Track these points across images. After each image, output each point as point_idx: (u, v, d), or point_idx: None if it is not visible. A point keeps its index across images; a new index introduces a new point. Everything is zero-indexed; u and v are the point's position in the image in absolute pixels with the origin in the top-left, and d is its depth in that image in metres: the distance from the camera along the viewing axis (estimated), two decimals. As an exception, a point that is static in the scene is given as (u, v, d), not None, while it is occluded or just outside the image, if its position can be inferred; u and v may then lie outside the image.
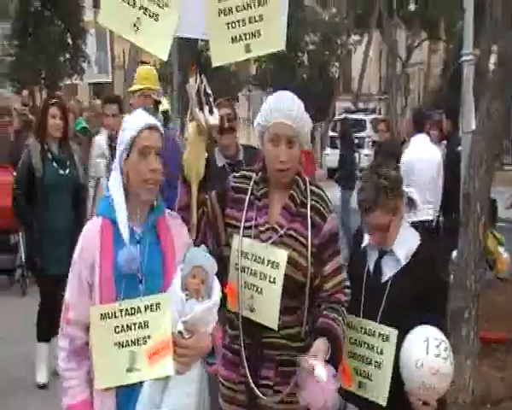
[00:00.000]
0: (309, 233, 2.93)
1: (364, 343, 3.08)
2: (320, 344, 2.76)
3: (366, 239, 3.18)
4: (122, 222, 2.75)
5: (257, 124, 3.04)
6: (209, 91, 3.15)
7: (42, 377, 6.03)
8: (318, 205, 2.98)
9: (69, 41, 23.21)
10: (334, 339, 2.81)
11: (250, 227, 3.00)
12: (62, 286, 2.94)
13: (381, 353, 3.02)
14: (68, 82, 25.26)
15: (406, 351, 2.90)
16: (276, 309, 2.90)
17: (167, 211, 2.92)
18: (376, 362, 3.04)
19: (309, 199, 2.99)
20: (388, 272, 3.09)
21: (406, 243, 3.09)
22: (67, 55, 23.46)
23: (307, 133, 3.04)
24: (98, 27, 23.10)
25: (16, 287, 8.89)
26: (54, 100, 6.19)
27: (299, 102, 3.00)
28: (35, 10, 22.05)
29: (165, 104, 15.94)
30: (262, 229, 2.98)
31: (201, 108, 3.10)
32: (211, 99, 3.16)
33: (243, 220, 3.02)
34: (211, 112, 3.12)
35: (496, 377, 5.74)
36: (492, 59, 5.83)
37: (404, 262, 3.07)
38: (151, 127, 2.78)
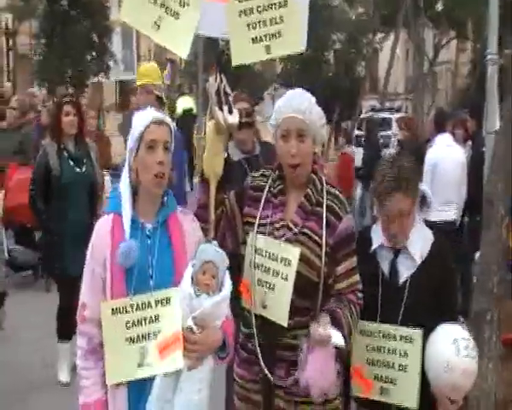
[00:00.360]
0: (323, 232, 2.93)
1: (384, 348, 3.00)
2: (322, 317, 2.77)
3: (376, 241, 3.11)
4: (126, 216, 2.77)
5: (270, 124, 3.05)
6: (229, 91, 3.17)
7: (64, 375, 6.10)
8: (334, 205, 2.98)
9: (95, 39, 23.36)
10: (334, 319, 2.80)
11: (265, 224, 3.01)
12: (80, 286, 2.97)
13: (405, 355, 2.94)
14: (95, 80, 25.50)
15: (433, 353, 2.85)
16: (287, 306, 2.90)
17: (179, 208, 2.94)
18: (400, 365, 2.96)
19: (325, 198, 2.99)
20: (405, 272, 3.03)
21: (420, 241, 3.03)
22: (94, 54, 23.63)
23: (320, 129, 3.01)
24: (124, 26, 23.24)
25: (40, 283, 8.96)
26: (67, 98, 6.22)
27: (309, 97, 3.01)
28: (62, 10, 22.20)
29: (190, 102, 15.93)
30: (277, 226, 2.99)
31: (221, 108, 3.12)
32: (230, 98, 3.18)
33: (258, 217, 3.02)
34: (230, 111, 3.15)
35: (519, 380, 5.68)
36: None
37: (419, 260, 3.02)
38: (158, 122, 2.80)
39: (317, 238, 2.95)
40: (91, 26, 22.84)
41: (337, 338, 2.76)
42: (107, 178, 6.23)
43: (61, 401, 5.57)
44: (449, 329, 2.87)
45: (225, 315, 2.81)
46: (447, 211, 7.38)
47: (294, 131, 2.95)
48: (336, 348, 2.77)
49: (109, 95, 31.51)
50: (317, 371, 2.70)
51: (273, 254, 2.96)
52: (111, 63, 24.86)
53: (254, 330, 2.98)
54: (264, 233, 3.00)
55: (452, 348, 2.79)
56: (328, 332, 2.73)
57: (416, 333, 2.92)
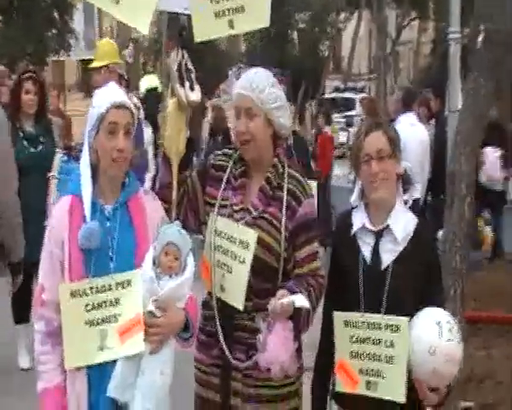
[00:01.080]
0: (283, 217, 2.89)
1: (370, 339, 2.78)
2: (279, 292, 2.72)
3: (357, 223, 2.90)
4: (86, 198, 2.71)
5: (229, 104, 3.02)
6: (190, 67, 3.11)
7: (24, 361, 5.89)
8: (295, 189, 2.93)
9: (56, 16, 22.99)
10: (293, 292, 2.75)
11: (226, 206, 2.97)
12: (37, 269, 2.88)
13: (392, 345, 2.72)
14: (55, 58, 25.14)
15: (415, 336, 2.67)
16: (243, 290, 2.86)
17: (142, 189, 2.88)
18: (387, 357, 2.74)
19: (286, 182, 2.94)
20: (388, 256, 2.83)
21: (402, 221, 2.86)
22: (54, 31, 23.27)
23: (275, 110, 2.91)
24: (85, 2, 22.90)
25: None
26: (28, 74, 5.93)
27: (265, 76, 2.95)
28: (21, -17, 21.85)
29: (154, 81, 15.74)
30: (236, 209, 2.95)
31: (182, 84, 3.06)
32: (192, 75, 3.12)
33: (219, 198, 2.98)
34: (192, 88, 3.09)
35: (481, 356, 5.76)
36: (481, 37, 5.76)
37: (402, 243, 2.84)
38: (119, 105, 2.72)
39: (276, 223, 2.89)
40: (52, 2, 22.47)
41: (300, 301, 2.69)
42: (58, 156, 5.80)
43: (22, 389, 5.41)
44: (432, 312, 2.72)
45: (188, 296, 2.76)
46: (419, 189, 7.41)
47: (243, 108, 2.90)
48: (295, 322, 2.72)
49: (71, 74, 31.07)
50: (277, 348, 2.66)
51: (232, 237, 2.91)
52: (72, 41, 24.52)
53: (216, 312, 2.94)
54: (224, 215, 2.95)
55: (435, 330, 2.64)
56: (290, 299, 2.67)
57: (403, 321, 2.71)
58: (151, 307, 2.65)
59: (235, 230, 2.91)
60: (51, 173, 5.57)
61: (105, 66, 6.06)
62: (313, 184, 4.07)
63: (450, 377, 2.68)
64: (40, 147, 5.82)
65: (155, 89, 15.27)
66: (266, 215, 2.91)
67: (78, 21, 25.14)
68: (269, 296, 2.78)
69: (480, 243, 9.44)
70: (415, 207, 7.10)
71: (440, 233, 6.03)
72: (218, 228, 2.94)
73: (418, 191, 7.38)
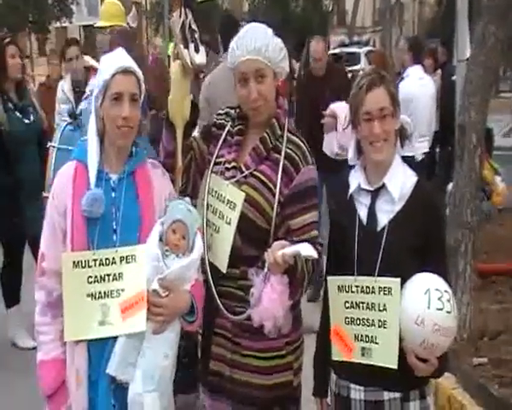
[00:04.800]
0: (278, 179, 2.75)
1: (363, 304, 2.65)
2: (277, 242, 2.60)
3: (354, 184, 2.77)
4: (91, 165, 2.63)
5: (228, 66, 2.91)
6: (194, 27, 2.99)
7: (23, 341, 5.76)
8: (294, 154, 2.79)
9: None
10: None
11: (220, 163, 2.87)
12: (36, 244, 2.83)
13: (384, 309, 2.60)
14: (57, 25, 24.92)
15: (404, 304, 2.54)
16: (227, 252, 2.74)
17: (150, 160, 2.80)
18: (380, 321, 2.61)
19: (284, 145, 2.80)
20: (384, 217, 2.69)
21: (400, 179, 2.71)
22: (55, -2, 23.09)
23: (281, 62, 2.81)
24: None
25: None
26: (8, 39, 5.73)
27: (264, 32, 2.81)
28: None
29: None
30: (228, 166, 2.83)
31: (186, 46, 2.96)
32: (196, 36, 3.00)
33: (215, 156, 2.89)
34: (196, 50, 2.98)
35: (494, 310, 5.69)
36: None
37: (399, 202, 2.69)
38: (125, 71, 2.63)
39: (270, 184, 2.76)
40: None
41: (306, 249, 2.52)
42: (63, 125, 5.50)
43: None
44: (421, 279, 2.55)
45: (194, 278, 2.67)
46: (421, 144, 7.31)
47: (252, 73, 2.75)
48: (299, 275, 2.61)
49: (73, 40, 30.90)
50: (272, 302, 2.56)
51: (221, 196, 2.80)
52: (74, 7, 24.28)
53: (208, 273, 2.79)
54: (216, 172, 2.85)
55: (424, 299, 2.50)
56: (294, 248, 2.52)
57: (394, 282, 2.57)
58: (156, 286, 2.56)
59: (224, 189, 2.80)
60: (51, 143, 5.43)
61: (111, 26, 5.94)
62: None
63: (440, 348, 2.54)
64: (32, 117, 5.66)
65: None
66: (258, 174, 2.79)
67: (79, -13, 24.95)
68: (256, 264, 2.67)
69: (489, 194, 9.33)
70: (422, 161, 7.07)
71: (450, 186, 5.99)
72: (210, 186, 2.85)
73: (421, 147, 7.31)
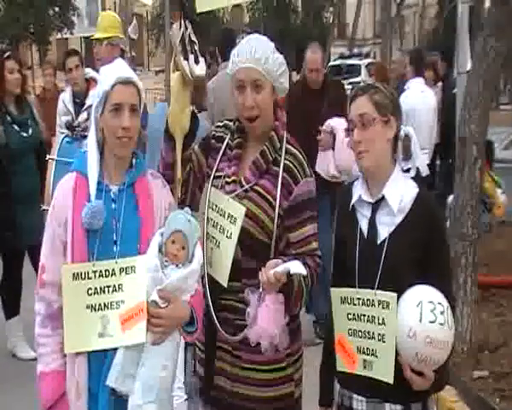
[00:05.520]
0: (278, 193, 2.76)
1: (364, 316, 2.65)
2: (271, 261, 2.61)
3: (356, 195, 2.75)
4: (92, 177, 2.63)
5: (227, 75, 2.90)
6: (194, 39, 3.00)
7: (24, 351, 5.74)
8: (292, 166, 2.79)
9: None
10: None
11: (219, 177, 2.87)
12: (35, 255, 2.82)
13: (383, 323, 2.59)
14: (58, 36, 24.99)
15: (398, 317, 2.53)
16: (228, 266, 2.74)
17: (150, 171, 2.79)
18: (379, 335, 2.61)
19: (283, 157, 2.80)
20: (384, 230, 2.67)
21: (399, 190, 2.67)
22: (57, 9, 23.12)
23: (280, 77, 2.81)
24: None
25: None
26: (8, 53, 5.74)
27: (266, 44, 2.81)
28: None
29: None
30: (228, 180, 2.84)
31: (186, 57, 2.96)
32: (196, 47, 3.01)
33: (215, 169, 2.89)
34: (196, 61, 2.99)
35: (495, 322, 5.68)
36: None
37: (399, 215, 2.66)
38: (125, 81, 2.62)
39: (269, 198, 2.77)
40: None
41: (296, 267, 2.54)
42: (61, 137, 5.62)
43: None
44: (416, 290, 2.53)
45: (194, 289, 2.65)
46: (422, 157, 7.30)
47: (249, 81, 2.76)
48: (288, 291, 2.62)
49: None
50: (267, 321, 2.57)
51: (221, 210, 2.80)
52: (75, 18, 24.34)
53: (207, 288, 2.80)
54: (216, 186, 2.85)
55: (415, 312, 2.47)
56: (284, 266, 2.53)
57: (391, 297, 2.55)
58: (155, 297, 2.55)
59: (225, 203, 2.80)
60: (50, 156, 5.44)
61: (107, 38, 5.94)
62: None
63: (435, 361, 2.51)
64: (30, 130, 5.68)
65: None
66: (258, 188, 2.79)
67: (80, -1, 25.02)
68: (258, 277, 2.64)
69: (490, 206, 9.32)
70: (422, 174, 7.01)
71: (450, 199, 5.98)
72: (210, 199, 2.85)
73: (424, 159, 7.26)
